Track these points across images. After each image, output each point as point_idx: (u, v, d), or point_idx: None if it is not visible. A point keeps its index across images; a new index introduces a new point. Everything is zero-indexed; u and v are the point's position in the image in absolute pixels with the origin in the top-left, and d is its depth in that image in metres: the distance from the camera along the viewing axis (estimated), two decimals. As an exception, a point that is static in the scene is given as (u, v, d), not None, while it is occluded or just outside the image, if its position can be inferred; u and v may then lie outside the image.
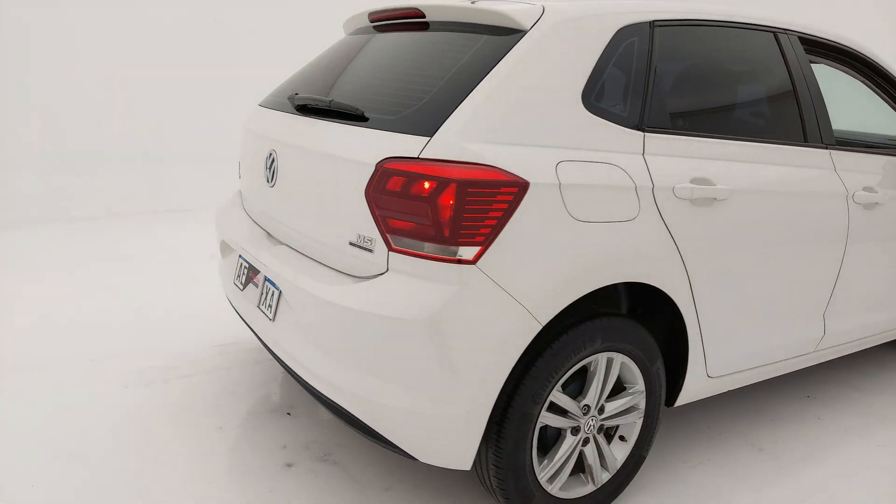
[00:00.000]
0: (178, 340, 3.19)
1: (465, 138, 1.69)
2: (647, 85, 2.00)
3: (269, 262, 2.10)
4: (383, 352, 1.71)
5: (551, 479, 1.94)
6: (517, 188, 1.68)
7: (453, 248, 1.65)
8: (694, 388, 2.22)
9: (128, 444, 2.34)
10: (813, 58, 2.62)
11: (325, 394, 1.87)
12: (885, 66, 2.72)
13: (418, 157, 1.67)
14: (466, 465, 1.78)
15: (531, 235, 1.70)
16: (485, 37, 1.91)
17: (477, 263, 1.65)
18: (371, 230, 1.75)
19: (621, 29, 1.98)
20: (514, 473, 1.83)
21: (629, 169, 1.88)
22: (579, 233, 1.76)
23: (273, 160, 2.17)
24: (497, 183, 1.66)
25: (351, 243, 1.83)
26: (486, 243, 1.65)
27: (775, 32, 2.39)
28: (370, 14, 2.36)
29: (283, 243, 2.17)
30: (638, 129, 1.94)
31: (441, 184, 1.63)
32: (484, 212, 1.65)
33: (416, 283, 1.69)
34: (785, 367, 2.53)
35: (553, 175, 1.73)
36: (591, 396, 1.95)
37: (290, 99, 2.25)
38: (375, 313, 1.69)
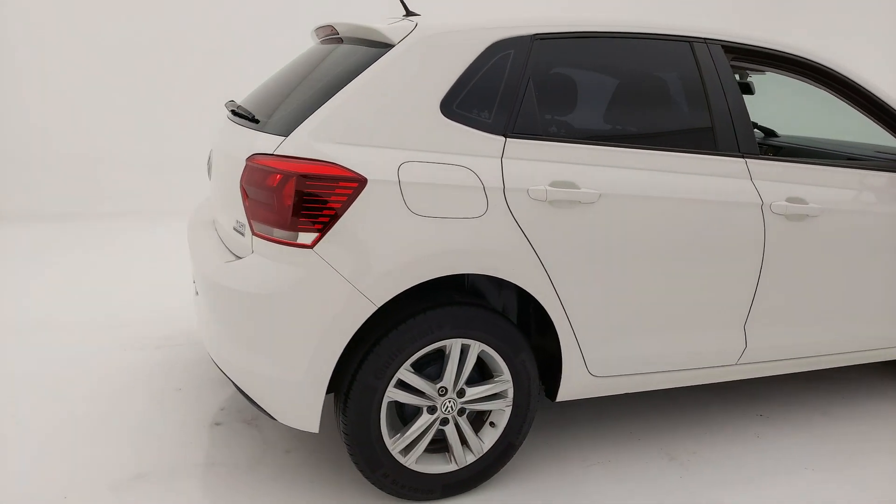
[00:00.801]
0: (181, 314, 3.70)
1: (315, 138, 1.94)
2: (518, 94, 2.14)
3: (197, 248, 2.46)
4: (243, 323, 2.00)
5: (405, 451, 2.12)
6: (357, 183, 1.91)
7: (294, 233, 1.90)
8: (575, 384, 2.30)
9: (105, 393, 2.81)
10: (756, 66, 2.60)
11: (214, 361, 2.19)
12: (840, 73, 2.62)
13: (272, 154, 1.95)
14: (314, 427, 2.02)
15: (369, 226, 1.92)
16: (363, 49, 2.16)
17: (314, 248, 1.90)
18: (243, 217, 2.05)
19: (495, 43, 2.14)
20: (359, 441, 2.04)
21: (480, 170, 2.03)
22: (418, 226, 1.95)
23: (209, 159, 2.54)
24: (336, 178, 1.90)
25: (234, 228, 2.14)
26: (323, 231, 1.90)
27: (691, 42, 2.41)
28: (315, 30, 2.67)
29: (216, 231, 2.53)
30: (500, 135, 2.09)
31: (285, 177, 1.90)
32: (322, 203, 1.89)
33: (267, 264, 1.96)
34: (699, 376, 2.51)
35: (394, 174, 1.94)
36: (448, 379, 2.11)
37: (227, 104, 2.61)
38: (235, 288, 1.99)
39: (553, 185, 2.10)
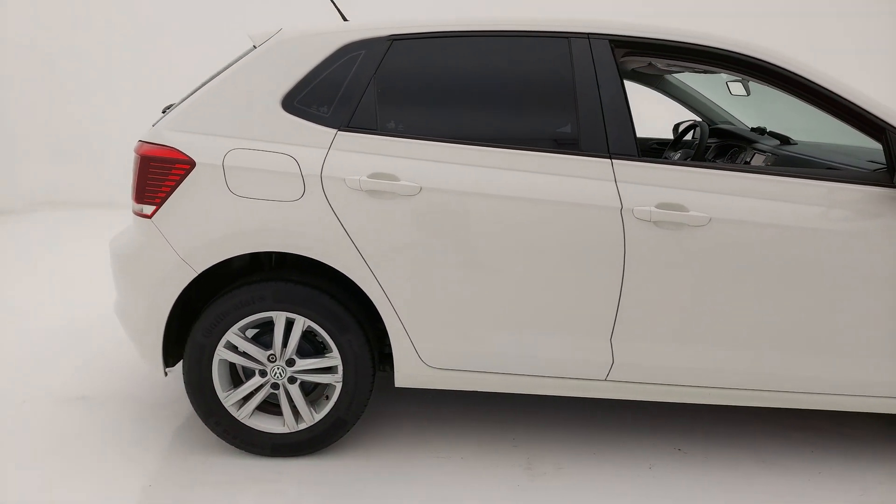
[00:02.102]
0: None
1: (168, 127, 2.31)
2: (362, 92, 2.29)
3: None
4: (116, 278, 2.46)
5: (238, 405, 2.38)
6: (188, 166, 2.24)
7: (140, 206, 2.29)
8: (410, 372, 2.36)
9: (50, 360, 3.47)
10: (667, 61, 2.42)
11: None
12: (778, 65, 2.29)
13: (141, 140, 2.36)
14: (160, 371, 2.38)
15: (194, 202, 2.24)
16: (246, 53, 2.47)
17: (152, 219, 2.27)
18: (134, 192, 2.50)
19: (346, 45, 2.32)
20: (194, 389, 2.35)
21: (302, 159, 2.23)
22: (236, 205, 2.22)
23: None
24: (172, 160, 2.25)
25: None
26: (159, 204, 2.26)
27: (569, 37, 2.32)
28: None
29: None
30: (333, 128, 2.27)
31: (139, 158, 2.30)
32: (161, 180, 2.26)
33: (131, 232, 2.39)
34: (564, 386, 2.37)
35: (219, 159, 2.23)
36: (276, 348, 2.33)
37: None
38: (112, 251, 2.45)
39: (372, 176, 2.22)
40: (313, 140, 2.26)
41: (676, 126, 3.85)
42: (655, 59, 2.42)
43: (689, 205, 2.22)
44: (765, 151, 3.01)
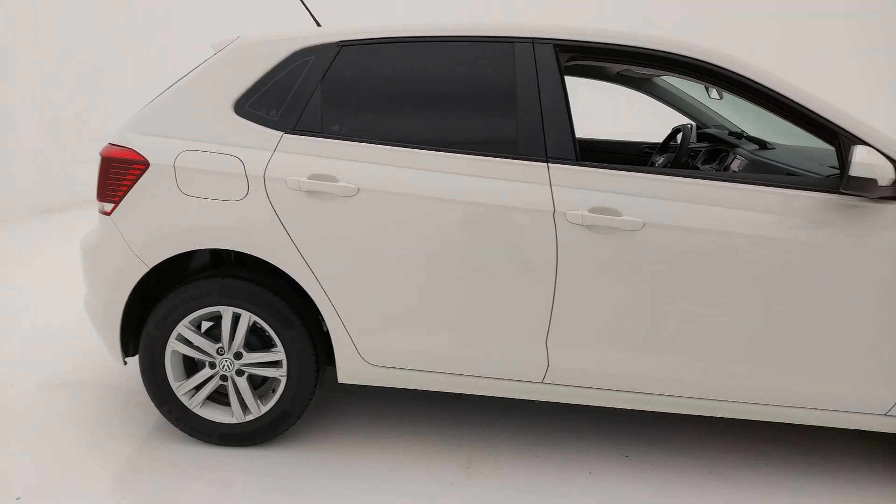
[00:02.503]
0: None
1: (130, 130, 2.45)
2: (309, 96, 2.37)
3: None
4: (83, 271, 2.58)
5: (189, 395, 2.49)
6: (143, 166, 2.36)
7: (102, 203, 2.43)
8: (351, 368, 2.42)
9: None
10: (613, 64, 2.41)
11: None
12: (725, 67, 2.26)
13: (109, 143, 2.50)
14: (119, 362, 2.52)
15: (147, 201, 2.36)
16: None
17: (111, 216, 2.40)
18: (104, 191, 2.64)
19: (297, 51, 2.40)
20: (149, 378, 2.48)
21: (249, 160, 2.32)
22: (186, 204, 2.33)
23: None
24: (129, 161, 2.38)
25: (108, 200, 2.74)
26: (118, 202, 2.39)
27: (513, 42, 2.34)
28: None
29: None
30: (279, 131, 2.35)
31: (101, 159, 2.44)
32: (119, 180, 2.39)
33: (96, 229, 2.53)
34: (501, 388, 2.39)
35: (171, 159, 2.35)
36: (224, 341, 2.43)
37: None
38: (81, 246, 2.59)
39: (312, 177, 2.29)
40: (260, 142, 2.36)
41: (675, 129, 3.80)
42: (601, 62, 2.41)
43: (623, 209, 2.21)
44: (742, 156, 2.94)
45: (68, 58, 7.54)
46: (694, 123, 3.60)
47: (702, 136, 3.54)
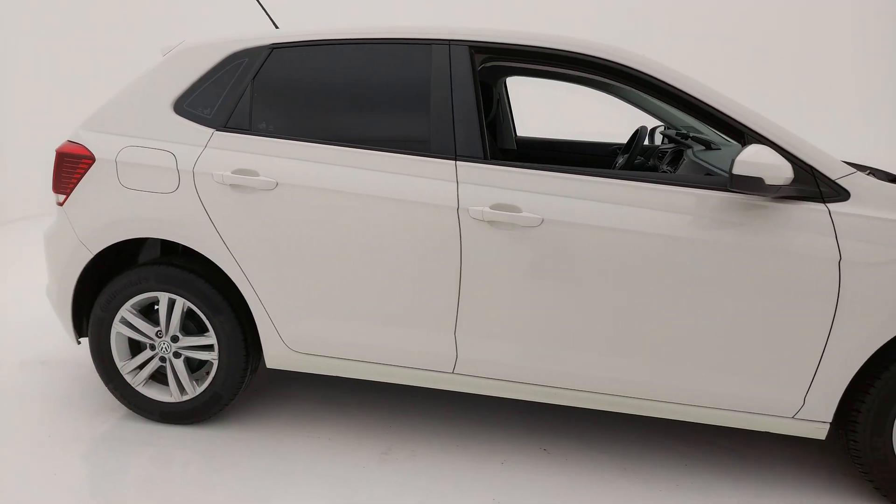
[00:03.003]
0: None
1: (85, 127, 2.65)
2: (239, 95, 2.52)
3: None
4: (45, 256, 2.80)
5: (133, 374, 2.68)
6: (90, 161, 2.56)
7: (57, 195, 2.65)
8: (276, 354, 2.55)
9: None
10: (529, 66, 2.47)
11: None
12: (631, 67, 2.28)
13: (67, 140, 2.71)
14: (74, 340, 2.73)
15: (92, 192, 2.56)
16: (158, 63, 2.78)
17: (63, 206, 2.61)
18: (67, 184, 2.86)
19: (232, 53, 2.56)
20: (96, 357, 2.67)
21: (180, 155, 2.49)
22: (124, 196, 2.52)
23: None
24: (78, 156, 2.59)
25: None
26: (69, 194, 2.60)
27: (430, 44, 2.43)
28: None
29: None
30: (211, 128, 2.51)
31: (56, 154, 2.65)
32: (70, 173, 2.60)
33: (53, 218, 2.74)
34: (414, 377, 2.47)
35: (114, 154, 2.54)
36: (162, 325, 2.61)
37: None
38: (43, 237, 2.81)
39: (236, 171, 2.44)
40: (193, 139, 2.52)
41: (652, 130, 3.79)
42: (516, 63, 2.46)
43: (523, 206, 2.26)
44: (687, 156, 2.93)
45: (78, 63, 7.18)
46: (662, 125, 3.58)
47: (667, 138, 3.52)
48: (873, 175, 2.71)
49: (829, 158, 2.18)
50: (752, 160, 2.03)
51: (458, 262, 2.31)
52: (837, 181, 2.16)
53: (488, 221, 2.27)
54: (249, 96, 2.52)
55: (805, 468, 2.54)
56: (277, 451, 2.56)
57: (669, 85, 2.26)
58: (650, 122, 3.82)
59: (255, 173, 2.43)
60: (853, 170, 2.19)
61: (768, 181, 2.03)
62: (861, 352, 2.14)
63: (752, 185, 2.04)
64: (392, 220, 2.35)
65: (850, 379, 2.17)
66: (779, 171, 2.04)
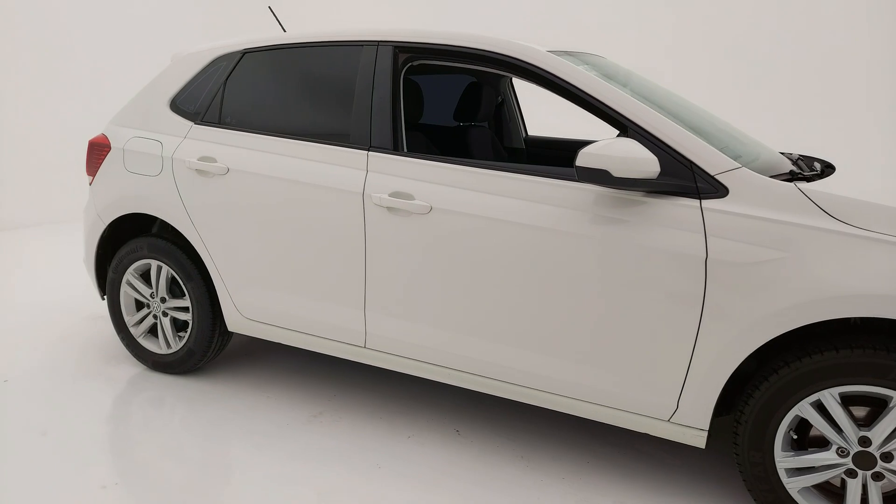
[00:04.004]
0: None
1: (112, 122, 3.23)
2: (214, 93, 2.95)
3: None
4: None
5: (136, 327, 3.21)
6: (108, 149, 3.14)
7: (89, 177, 3.26)
8: (233, 319, 2.93)
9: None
10: (446, 63, 2.61)
11: None
12: (531, 64, 2.34)
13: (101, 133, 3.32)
14: (99, 297, 3.33)
15: (107, 175, 3.12)
16: (173, 67, 3.29)
17: (91, 186, 3.21)
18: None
19: (217, 58, 3.00)
20: (111, 311, 3.24)
21: (166, 144, 2.96)
22: (127, 178, 3.05)
23: None
24: (102, 145, 3.17)
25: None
26: (94, 175, 3.19)
27: (362, 45, 2.66)
28: None
29: None
30: (190, 122, 2.96)
31: (88, 144, 3.26)
32: (97, 159, 3.19)
33: (90, 195, 3.37)
34: (336, 348, 2.71)
35: (123, 144, 3.08)
36: (154, 288, 3.11)
37: None
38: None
39: (200, 159, 2.86)
40: (177, 131, 2.98)
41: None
42: (433, 61, 2.60)
43: (417, 194, 2.41)
44: None
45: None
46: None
47: None
48: (803, 163, 2.52)
49: (711, 154, 2.09)
50: (598, 152, 2.02)
51: (363, 244, 2.53)
52: (716, 177, 2.06)
53: (387, 207, 2.46)
54: (221, 94, 2.93)
55: (711, 484, 2.40)
56: (229, 403, 2.93)
57: (558, 78, 2.28)
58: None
59: (213, 160, 2.83)
60: (737, 165, 2.07)
61: (616, 174, 2.01)
62: (730, 356, 2.02)
63: (598, 178, 2.03)
64: (313, 204, 2.62)
65: (721, 385, 2.06)
66: (635, 165, 2.00)
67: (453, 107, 3.36)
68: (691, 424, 2.14)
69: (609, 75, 2.51)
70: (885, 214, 1.89)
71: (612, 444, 2.64)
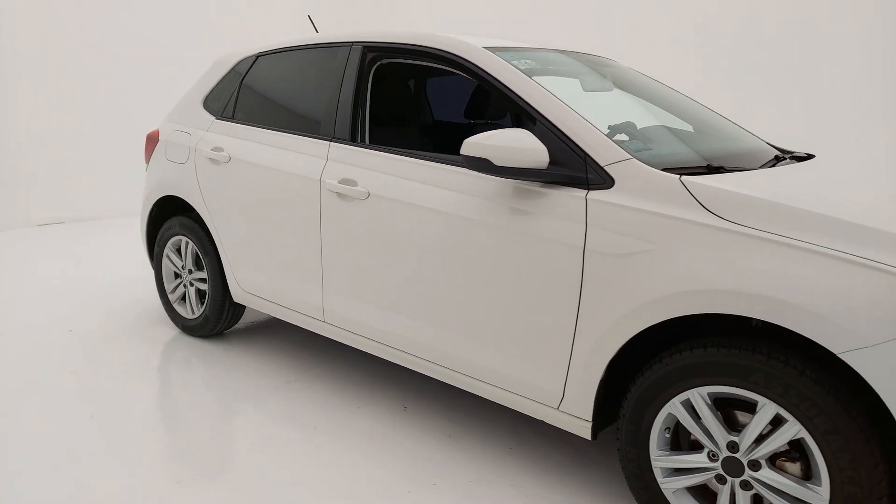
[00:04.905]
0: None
1: (166, 118, 3.78)
2: (232, 92, 3.36)
3: None
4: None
5: (173, 293, 3.71)
6: (157, 141, 3.68)
7: (146, 164, 3.83)
8: (234, 290, 3.31)
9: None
10: (407, 61, 2.79)
11: None
12: (470, 62, 2.45)
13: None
14: (150, 266, 3.89)
15: (154, 163, 3.67)
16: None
17: (146, 170, 3.78)
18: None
19: (239, 61, 3.42)
20: (156, 278, 3.79)
21: (193, 137, 3.42)
22: (166, 165, 3.56)
23: None
24: (154, 137, 3.72)
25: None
26: (148, 163, 3.75)
27: (339, 47, 2.91)
28: None
29: None
30: (213, 117, 3.39)
31: (146, 136, 3.83)
32: (150, 148, 3.75)
33: (150, 178, 3.95)
34: (305, 322, 2.98)
35: (167, 136, 3.60)
36: (184, 260, 3.59)
37: None
38: None
39: (213, 149, 3.27)
40: (203, 125, 3.43)
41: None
42: (392, 59, 2.78)
43: (360, 181, 2.62)
44: None
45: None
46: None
47: None
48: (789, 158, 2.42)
49: (606, 145, 2.08)
50: (481, 142, 2.09)
51: (319, 226, 2.78)
52: (605, 168, 2.05)
53: (336, 193, 2.69)
54: (237, 93, 3.34)
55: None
56: (234, 364, 3.32)
57: (484, 71, 2.37)
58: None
59: (221, 150, 3.23)
60: (626, 157, 2.05)
61: (498, 163, 2.08)
62: (605, 347, 2.01)
63: (481, 166, 2.11)
64: (285, 189, 2.92)
65: (599, 375, 2.05)
66: (519, 154, 2.06)
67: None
68: (577, 414, 2.14)
69: (621, 79, 2.79)
70: (761, 209, 1.80)
71: (544, 434, 2.66)
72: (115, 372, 3.22)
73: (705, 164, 2.16)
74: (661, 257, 1.88)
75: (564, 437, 2.64)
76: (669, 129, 2.67)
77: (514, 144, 2.07)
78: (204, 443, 2.60)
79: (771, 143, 2.93)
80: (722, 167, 2.17)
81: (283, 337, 3.68)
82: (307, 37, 3.15)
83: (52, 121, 6.75)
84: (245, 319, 3.92)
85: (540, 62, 2.59)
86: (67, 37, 6.75)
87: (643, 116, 2.93)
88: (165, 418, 2.82)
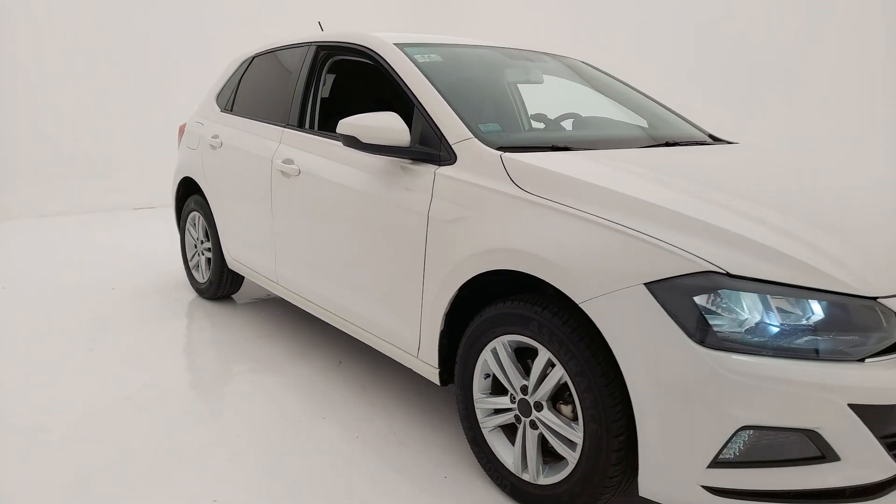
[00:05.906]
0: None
1: (196, 114, 4.44)
2: (234, 89, 3.94)
3: None
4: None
5: (191, 262, 4.35)
6: (184, 131, 4.34)
7: (177, 149, 4.51)
8: (227, 256, 3.87)
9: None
10: (351, 58, 3.20)
11: None
12: (387, 63, 2.82)
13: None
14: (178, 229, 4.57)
15: (181, 149, 4.33)
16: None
17: (178, 152, 4.46)
18: (202, 147, 4.72)
19: (245, 60, 4.00)
20: (183, 249, 4.45)
21: (203, 126, 4.03)
22: (186, 151, 4.21)
23: None
24: (183, 128, 4.39)
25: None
26: (180, 147, 4.43)
27: (307, 46, 3.37)
28: None
29: None
30: (220, 110, 3.98)
31: (180, 128, 4.51)
32: (181, 136, 4.42)
33: (185, 164, 4.63)
34: (270, 286, 3.46)
35: (189, 126, 4.25)
36: (197, 232, 4.22)
37: None
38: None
39: (212, 137, 3.86)
40: (212, 117, 4.04)
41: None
42: (337, 55, 3.19)
43: (296, 160, 3.07)
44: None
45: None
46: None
47: None
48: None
49: (456, 126, 2.37)
50: (352, 122, 2.45)
51: (269, 199, 3.26)
52: (453, 146, 2.35)
53: (281, 171, 3.16)
54: (237, 88, 3.91)
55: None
56: (226, 321, 3.89)
57: (387, 63, 2.73)
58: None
59: (217, 137, 3.81)
60: (468, 136, 2.33)
61: (364, 140, 2.43)
62: (441, 300, 2.30)
63: (352, 143, 2.47)
64: (249, 169, 3.43)
65: (438, 324, 2.32)
66: (382, 133, 2.40)
67: None
68: (428, 361, 2.45)
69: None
70: (550, 181, 2.04)
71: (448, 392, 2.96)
72: (143, 318, 3.90)
73: (550, 145, 2.40)
74: (475, 222, 2.16)
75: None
76: (608, 119, 2.96)
77: (378, 124, 2.41)
78: (183, 364, 3.16)
79: (711, 133, 3.14)
80: (568, 147, 2.40)
81: (277, 303, 4.21)
82: (287, 38, 3.64)
83: (147, 115, 7.72)
84: (257, 292, 4.50)
85: (446, 56, 2.90)
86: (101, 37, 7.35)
87: (597, 110, 3.18)
88: (167, 348, 3.42)
